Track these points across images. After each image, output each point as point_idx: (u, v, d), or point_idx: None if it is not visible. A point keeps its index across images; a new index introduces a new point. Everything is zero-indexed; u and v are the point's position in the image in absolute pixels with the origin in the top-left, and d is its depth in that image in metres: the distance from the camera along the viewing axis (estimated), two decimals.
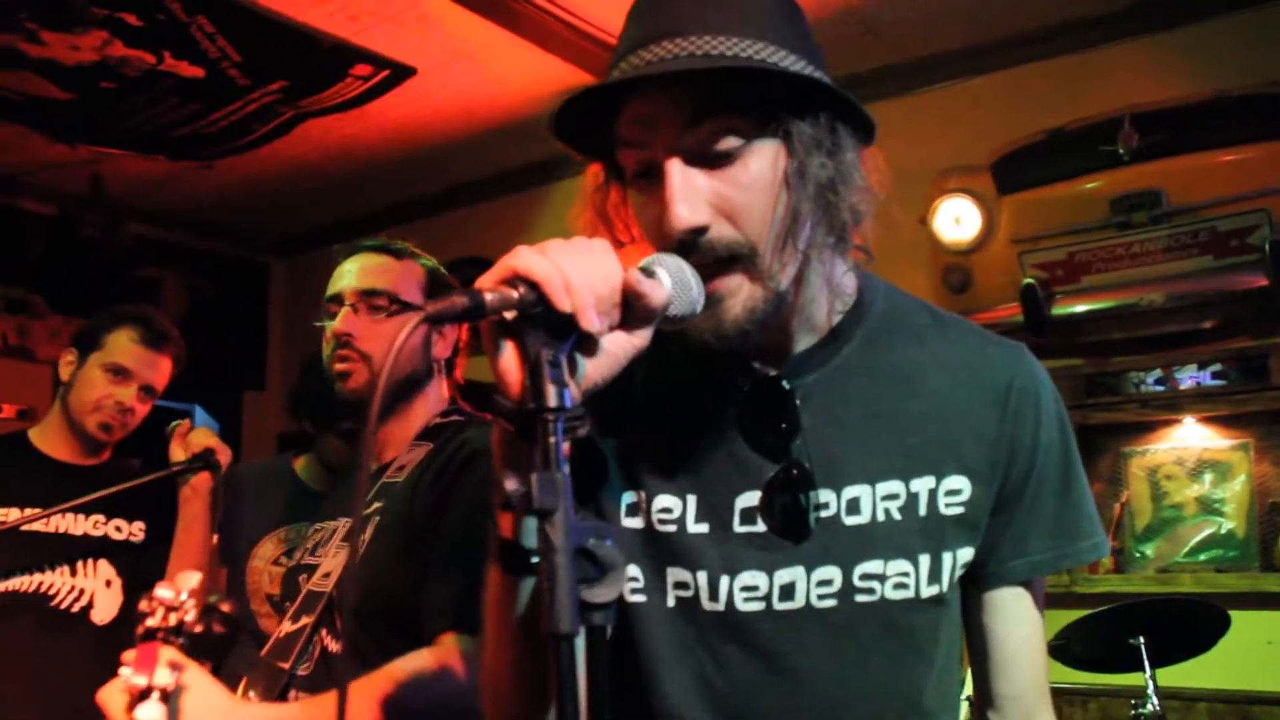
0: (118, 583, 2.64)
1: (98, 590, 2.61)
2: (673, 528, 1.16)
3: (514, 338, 0.92)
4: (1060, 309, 3.49)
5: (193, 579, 1.34)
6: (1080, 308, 3.49)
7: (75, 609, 2.58)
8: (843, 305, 1.20)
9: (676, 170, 1.04)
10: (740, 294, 1.06)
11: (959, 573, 1.17)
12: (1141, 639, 2.64)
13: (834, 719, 1.14)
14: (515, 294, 0.89)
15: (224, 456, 2.54)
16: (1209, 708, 3.31)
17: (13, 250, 5.31)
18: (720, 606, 1.13)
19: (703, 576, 1.14)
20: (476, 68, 4.18)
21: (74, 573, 2.59)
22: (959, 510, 1.15)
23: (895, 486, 1.14)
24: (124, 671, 1.31)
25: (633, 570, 1.16)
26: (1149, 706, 2.66)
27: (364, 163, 5.12)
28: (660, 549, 1.16)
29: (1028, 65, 3.94)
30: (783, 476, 1.13)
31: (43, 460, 2.68)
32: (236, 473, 2.74)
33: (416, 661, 1.64)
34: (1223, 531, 3.50)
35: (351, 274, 1.97)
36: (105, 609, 2.61)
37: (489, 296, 0.87)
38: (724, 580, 1.13)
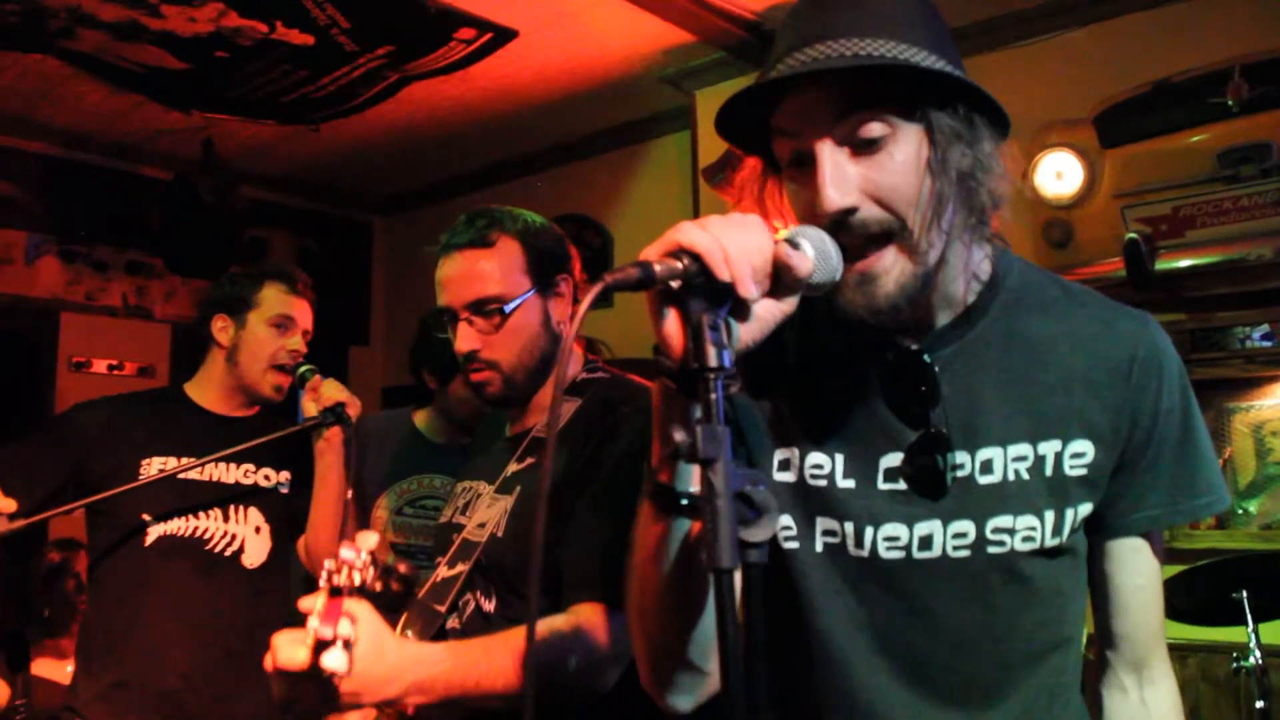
0: (266, 529, 2.80)
1: (248, 535, 2.77)
2: (823, 482, 1.28)
3: (677, 304, 1.03)
4: (1164, 264, 3.47)
5: (371, 539, 1.43)
6: (1184, 262, 3.46)
7: (228, 553, 2.74)
8: (979, 283, 1.30)
9: (828, 156, 1.15)
10: (894, 270, 1.18)
11: (1079, 525, 1.28)
12: (1244, 593, 2.65)
13: (965, 655, 1.27)
14: (680, 265, 1.00)
15: (354, 410, 2.66)
16: None
17: (133, 214, 5.54)
18: (865, 553, 1.26)
19: (849, 526, 1.26)
20: (577, 28, 4.25)
21: (226, 518, 2.75)
22: (1082, 471, 1.25)
23: (1024, 449, 1.25)
24: (311, 622, 1.40)
25: (785, 519, 1.30)
26: (1251, 660, 2.68)
27: (465, 124, 5.23)
28: (811, 501, 1.29)
29: (1132, 15, 3.86)
30: (923, 440, 1.25)
31: (201, 413, 2.83)
32: (360, 425, 2.86)
33: (558, 623, 1.71)
34: None
35: (454, 282, 1.94)
36: (255, 553, 2.78)
37: (658, 268, 1.00)
38: (868, 530, 1.26)
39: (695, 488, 1.11)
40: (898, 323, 1.23)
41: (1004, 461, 1.24)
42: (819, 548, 1.29)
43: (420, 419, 3.12)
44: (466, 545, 1.95)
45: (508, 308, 1.91)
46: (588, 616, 1.73)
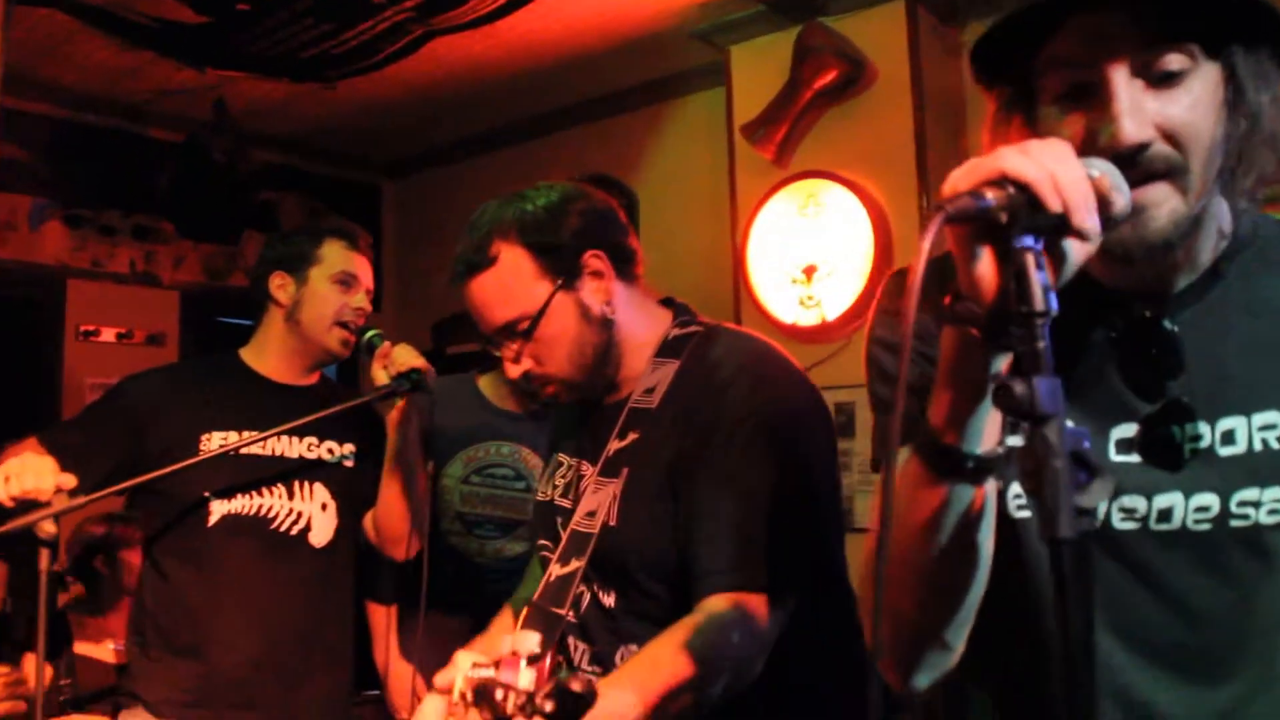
0: (333, 505, 2.66)
1: (314, 513, 2.63)
2: None
3: (994, 241, 0.93)
4: None
5: (532, 641, 1.23)
6: None
7: (294, 531, 2.61)
8: (1223, 240, 1.20)
9: (1124, 86, 1.05)
10: (1167, 204, 1.08)
11: None
12: None
13: (1200, 628, 1.19)
14: (1006, 195, 0.90)
15: (431, 376, 2.52)
16: None
17: (141, 178, 5.35)
18: (1097, 524, 1.15)
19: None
20: None
21: (291, 495, 2.61)
22: None
23: (1273, 417, 1.16)
24: None
25: (1014, 489, 1.21)
26: None
27: (487, 81, 5.07)
28: None
29: None
30: (1164, 411, 1.17)
31: (260, 382, 2.69)
32: (446, 384, 2.73)
33: (708, 620, 1.60)
34: None
35: (476, 313, 1.84)
36: (322, 531, 2.64)
37: (991, 198, 0.89)
38: (1103, 502, 1.15)
39: (982, 449, 1.03)
40: (1145, 279, 1.16)
41: (1249, 431, 1.16)
42: None
43: (485, 383, 3.00)
44: (578, 537, 1.80)
45: (534, 322, 1.78)
46: (729, 607, 1.61)
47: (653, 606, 1.70)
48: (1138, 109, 1.05)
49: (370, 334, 2.64)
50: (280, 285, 2.66)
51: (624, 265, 1.89)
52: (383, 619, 3.04)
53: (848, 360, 4.08)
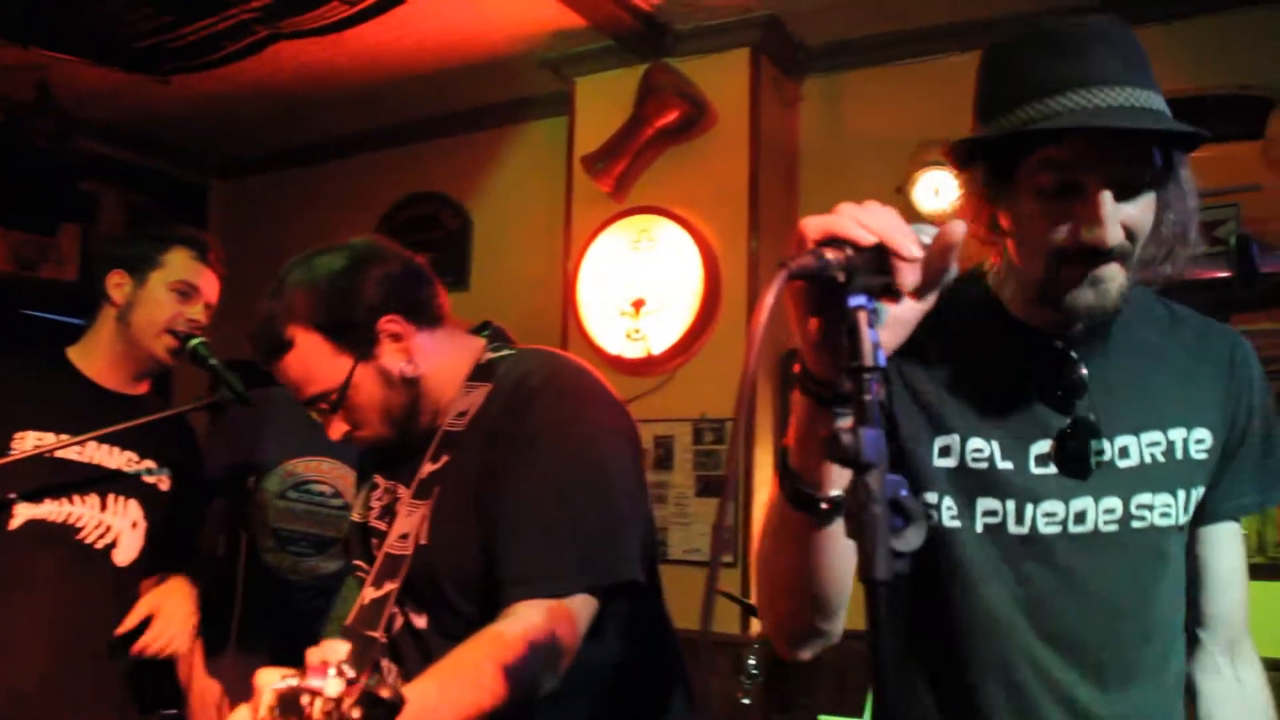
0: (143, 526, 2.57)
1: (124, 530, 2.53)
2: (984, 465, 1.41)
3: (829, 299, 1.01)
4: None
5: (341, 650, 1.20)
6: None
7: (99, 545, 2.50)
8: None
9: (1109, 200, 1.27)
10: (1117, 280, 1.31)
11: (1193, 509, 1.46)
12: None
13: (1114, 624, 1.40)
14: (844, 255, 0.99)
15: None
16: None
17: None
18: (1025, 530, 1.40)
19: (1010, 504, 1.40)
20: (468, 2, 4.13)
21: (104, 508, 2.51)
22: (1203, 456, 1.44)
23: (1156, 436, 1.42)
24: None
25: (947, 501, 1.42)
26: None
27: (330, 89, 5.01)
28: (972, 482, 1.41)
29: None
30: (1072, 427, 1.38)
31: (85, 384, 2.57)
32: (270, 395, 2.68)
33: (515, 627, 1.62)
34: None
35: (289, 386, 1.86)
36: (127, 550, 2.54)
37: (830, 257, 0.98)
38: (1029, 507, 1.40)
39: (836, 491, 1.15)
40: (1055, 319, 1.37)
41: (1139, 447, 1.41)
42: (979, 528, 1.41)
43: None
44: (391, 560, 1.81)
45: (339, 396, 1.81)
46: (533, 614, 1.64)
47: (464, 627, 1.69)
48: (1114, 218, 1.26)
49: (194, 342, 2.55)
50: (117, 284, 2.56)
51: (424, 316, 1.89)
52: None
53: (671, 394, 4.19)
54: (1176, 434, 1.43)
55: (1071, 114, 1.24)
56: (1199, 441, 1.44)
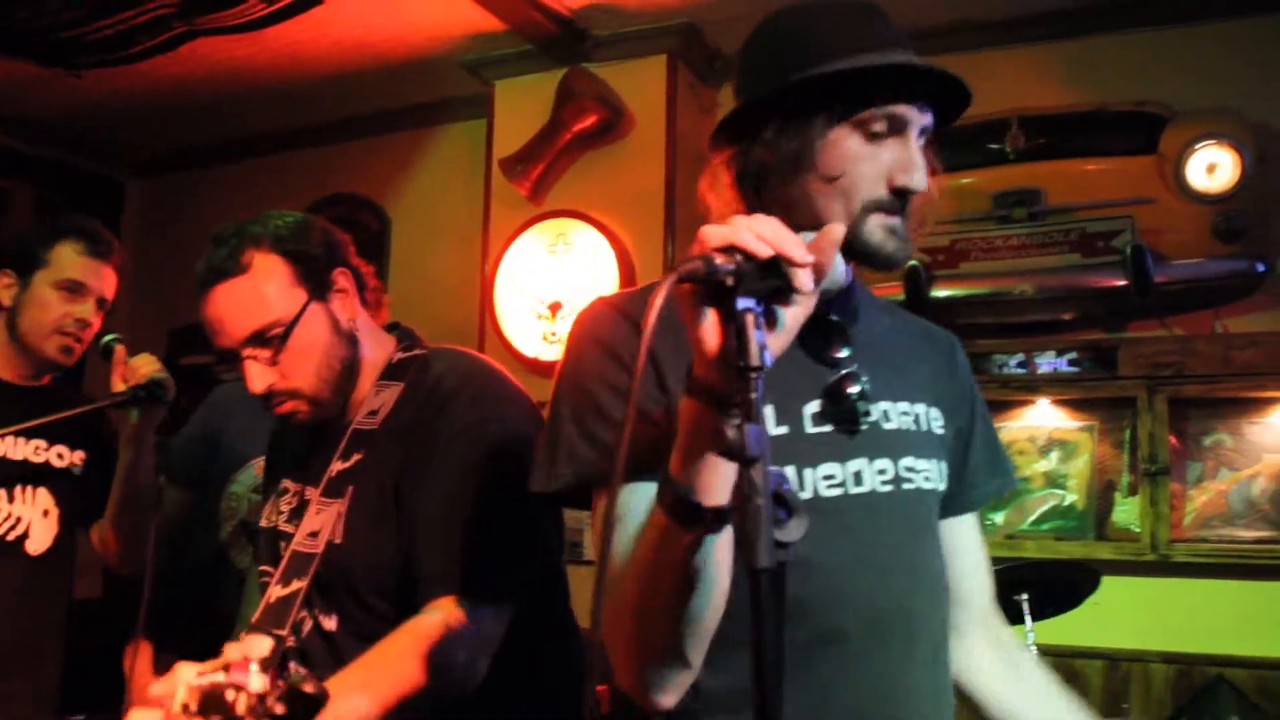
0: (55, 513, 2.56)
1: (34, 519, 2.52)
2: None
3: (718, 304, 1.05)
4: (939, 291, 3.73)
5: (263, 646, 1.20)
6: (957, 292, 3.73)
7: (10, 537, 2.49)
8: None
9: (919, 146, 1.38)
10: (905, 234, 1.39)
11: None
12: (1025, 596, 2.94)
13: (893, 583, 1.39)
14: (734, 262, 1.02)
15: (170, 388, 2.44)
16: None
17: None
18: (808, 495, 1.36)
19: (790, 470, 1.36)
20: (386, 3, 4.14)
21: (11, 499, 2.50)
22: (941, 432, 1.51)
23: (906, 406, 1.47)
24: None
25: None
26: None
27: (248, 87, 4.96)
28: None
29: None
30: (836, 384, 1.39)
31: None
32: (226, 391, 2.66)
33: (432, 621, 1.65)
34: (1065, 504, 3.84)
35: (223, 321, 1.80)
36: (40, 539, 2.54)
37: (719, 262, 1.02)
38: (808, 472, 1.37)
39: (719, 500, 1.12)
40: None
41: (896, 413, 1.45)
42: None
43: None
44: (299, 558, 1.81)
45: (288, 329, 1.79)
46: (455, 611, 1.67)
47: (377, 626, 1.72)
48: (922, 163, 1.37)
49: (108, 338, 2.54)
50: (6, 285, 2.55)
51: (361, 290, 1.95)
52: None
53: None
54: (920, 408, 1.48)
55: (892, 67, 1.33)
56: (935, 419, 1.50)
